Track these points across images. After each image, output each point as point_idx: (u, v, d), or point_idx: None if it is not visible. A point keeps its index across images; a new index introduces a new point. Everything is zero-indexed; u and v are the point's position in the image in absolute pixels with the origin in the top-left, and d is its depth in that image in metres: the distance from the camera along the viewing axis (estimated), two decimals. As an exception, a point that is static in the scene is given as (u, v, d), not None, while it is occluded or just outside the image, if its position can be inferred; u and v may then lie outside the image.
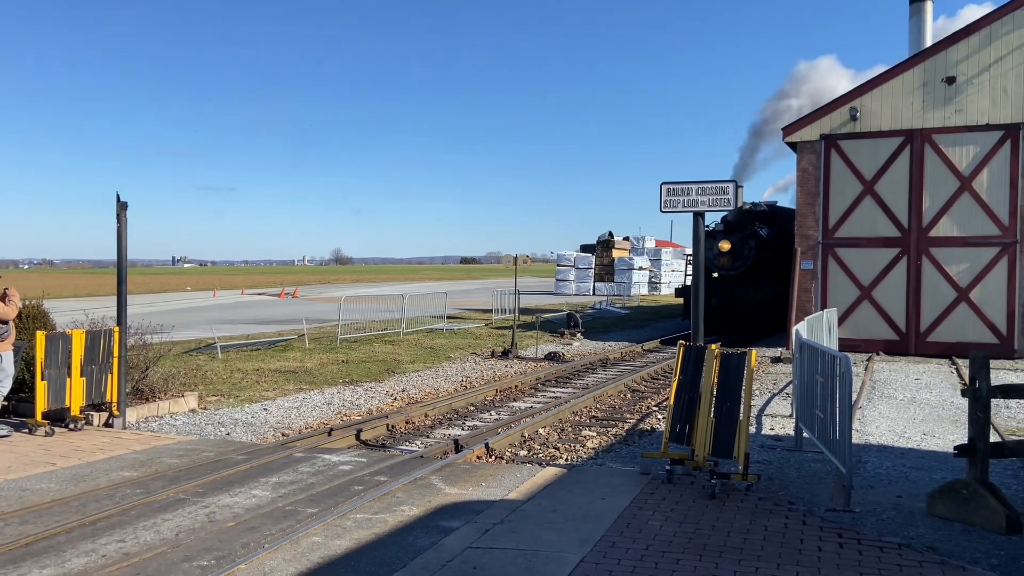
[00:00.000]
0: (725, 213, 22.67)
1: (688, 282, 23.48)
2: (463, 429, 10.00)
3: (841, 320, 17.09)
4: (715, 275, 22.61)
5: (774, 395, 11.75)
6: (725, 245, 22.29)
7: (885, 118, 17.26)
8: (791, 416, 9.32)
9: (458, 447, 8.61)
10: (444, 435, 9.61)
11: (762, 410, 10.58)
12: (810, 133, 17.85)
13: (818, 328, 10.98)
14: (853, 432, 8.62)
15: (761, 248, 22.66)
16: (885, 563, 4.77)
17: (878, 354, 17.00)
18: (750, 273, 22.45)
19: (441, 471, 7.09)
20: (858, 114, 17.41)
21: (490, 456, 8.37)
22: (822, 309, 15.69)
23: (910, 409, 10.58)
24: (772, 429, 9.34)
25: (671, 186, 9.10)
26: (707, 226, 19.46)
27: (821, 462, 7.52)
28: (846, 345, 16.35)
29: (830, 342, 12.65)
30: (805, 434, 7.98)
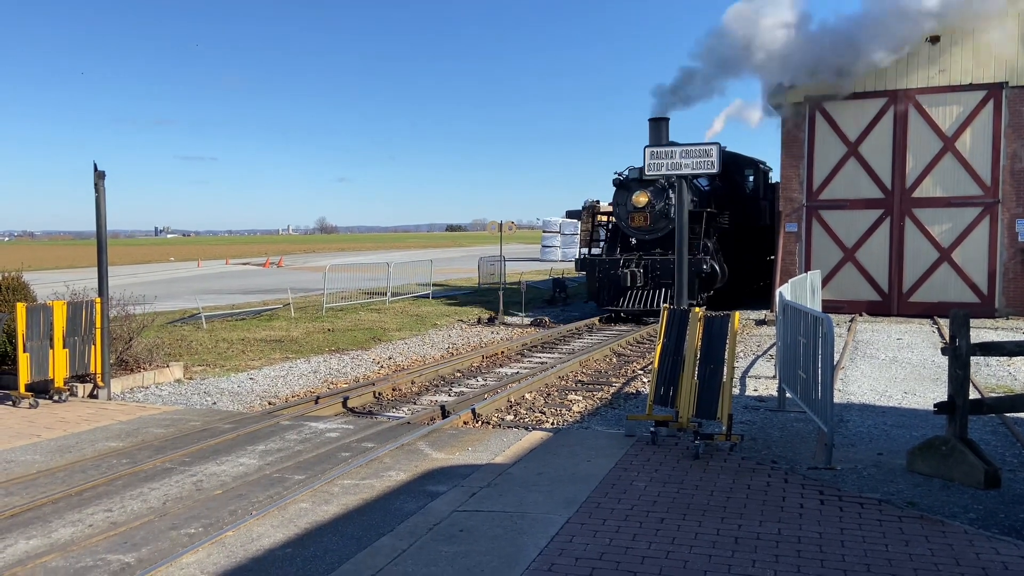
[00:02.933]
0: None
1: (590, 252, 19.13)
2: (450, 395, 10.04)
3: (825, 282, 17.21)
4: (632, 241, 17.93)
5: (758, 357, 11.86)
6: (641, 198, 17.16)
7: (869, 79, 17.21)
8: (775, 377, 9.41)
9: (445, 413, 8.64)
10: (431, 401, 9.65)
11: (746, 372, 10.67)
12: (795, 95, 17.77)
13: (802, 290, 11.05)
14: (835, 392, 8.74)
15: (703, 203, 18.15)
16: (865, 518, 4.86)
17: (861, 315, 17.16)
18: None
19: (428, 437, 7.12)
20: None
21: (477, 421, 8.42)
22: (806, 271, 15.78)
23: (892, 368, 10.70)
24: (756, 390, 9.43)
25: (655, 150, 9.06)
26: (620, 174, 17.69)
27: (804, 422, 7.62)
28: (829, 307, 16.48)
29: (814, 304, 12.74)
30: (788, 395, 8.07)
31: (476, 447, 6.74)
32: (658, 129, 16.19)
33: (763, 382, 9.91)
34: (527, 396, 9.74)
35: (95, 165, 8.88)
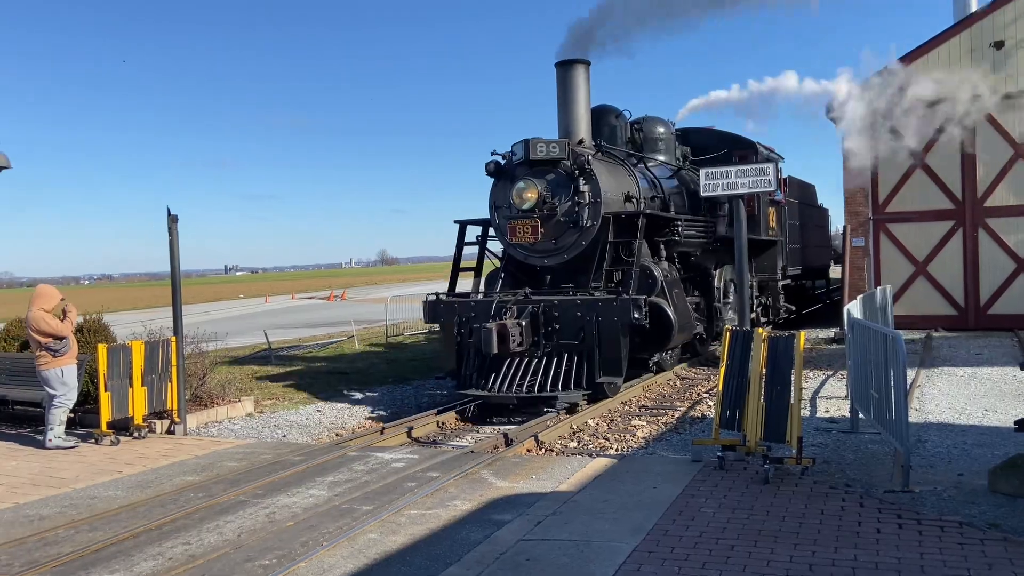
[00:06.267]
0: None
1: (452, 288, 12.15)
2: (511, 423, 10.05)
3: (896, 297, 16.67)
4: (539, 267, 11.22)
5: (829, 377, 11.55)
6: (528, 194, 10.46)
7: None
8: (846, 398, 9.14)
9: (508, 441, 8.66)
10: (494, 430, 9.67)
11: (816, 392, 10.40)
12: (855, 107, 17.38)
13: (872, 306, 10.76)
14: (912, 411, 8.46)
15: (651, 202, 11.90)
16: (946, 542, 4.67)
17: (936, 330, 16.56)
18: (588, 262, 10.60)
19: (492, 465, 7.15)
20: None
21: (540, 449, 8.41)
22: (876, 287, 15.34)
23: (970, 385, 10.29)
24: (827, 411, 9.18)
25: (710, 170, 9.02)
26: (498, 155, 11.03)
27: (878, 443, 7.38)
28: (902, 323, 15.94)
29: (885, 320, 12.37)
30: (861, 415, 7.84)
31: (540, 475, 6.73)
32: (568, 78, 11.05)
33: (835, 403, 9.64)
34: (590, 422, 9.68)
35: (168, 209, 9.28)
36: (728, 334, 6.95)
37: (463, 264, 12.47)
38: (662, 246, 11.52)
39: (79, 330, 9.95)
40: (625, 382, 10.81)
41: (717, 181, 8.89)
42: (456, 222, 12.31)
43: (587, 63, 11.25)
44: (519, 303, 10.14)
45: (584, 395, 9.69)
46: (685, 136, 15.23)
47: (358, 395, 12.16)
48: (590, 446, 8.58)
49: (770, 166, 8.71)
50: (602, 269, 10.27)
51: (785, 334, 6.66)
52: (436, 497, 6.23)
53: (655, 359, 11.67)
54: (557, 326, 10.00)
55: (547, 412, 9.77)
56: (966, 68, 16.06)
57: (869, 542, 4.76)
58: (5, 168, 12.94)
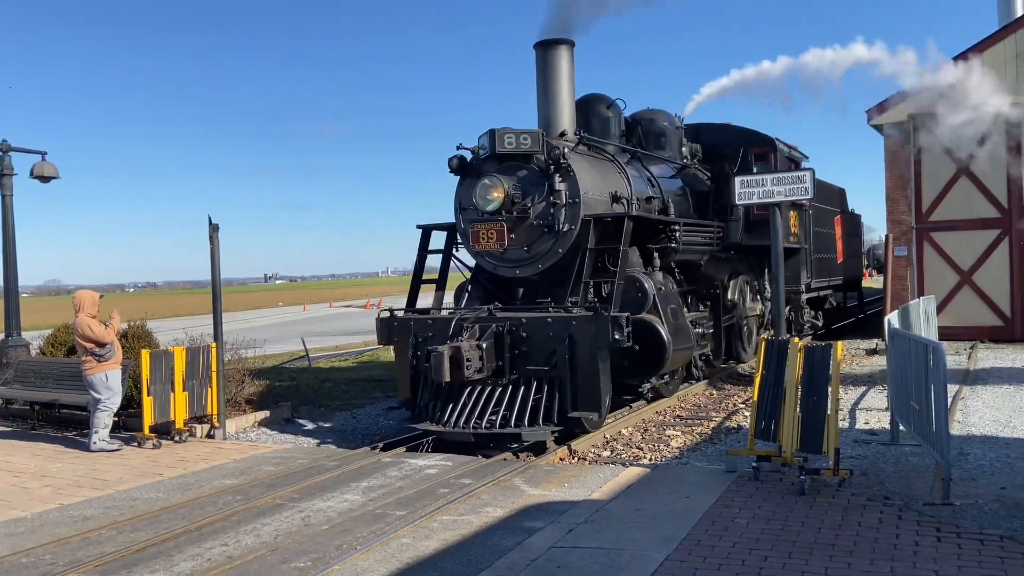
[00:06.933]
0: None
1: (411, 303, 10.54)
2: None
3: (940, 308, 16.30)
4: (507, 275, 9.81)
5: (869, 388, 11.34)
6: (495, 193, 8.99)
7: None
8: (887, 409, 8.98)
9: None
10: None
11: (856, 403, 10.23)
12: (897, 114, 17.11)
13: (915, 317, 10.56)
14: (954, 423, 8.28)
15: (650, 201, 10.56)
16: (986, 556, 4.57)
17: (982, 341, 16.16)
18: (565, 273, 9.24)
19: (524, 473, 7.16)
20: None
21: (573, 457, 8.39)
22: (919, 297, 15.04)
23: (1016, 398, 10.03)
24: (867, 423, 9.03)
25: (746, 178, 8.95)
26: (466, 149, 9.59)
27: (919, 456, 7.23)
28: (946, 334, 15.59)
29: (929, 331, 12.12)
30: (901, 427, 7.70)
31: (572, 483, 6.72)
32: (548, 61, 9.70)
33: (874, 414, 9.47)
34: (623, 431, 9.64)
35: (209, 218, 9.49)
36: (763, 344, 6.88)
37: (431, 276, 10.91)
38: (656, 254, 10.02)
39: (123, 336, 10.21)
40: (615, 409, 9.65)
41: (753, 189, 8.82)
42: (419, 227, 10.76)
43: (571, 43, 9.81)
44: (481, 321, 8.71)
45: (554, 432, 8.33)
46: (695, 132, 13.65)
47: (392, 401, 12.26)
48: (623, 455, 8.54)
49: (807, 173, 8.61)
50: (581, 281, 8.81)
51: (822, 344, 6.58)
52: (468, 503, 6.26)
53: (648, 385, 10.02)
54: (525, 348, 8.51)
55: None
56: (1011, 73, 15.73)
57: (906, 555, 4.67)
58: (54, 178, 13.36)
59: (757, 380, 6.75)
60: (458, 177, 9.69)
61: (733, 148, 13.23)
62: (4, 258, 12.56)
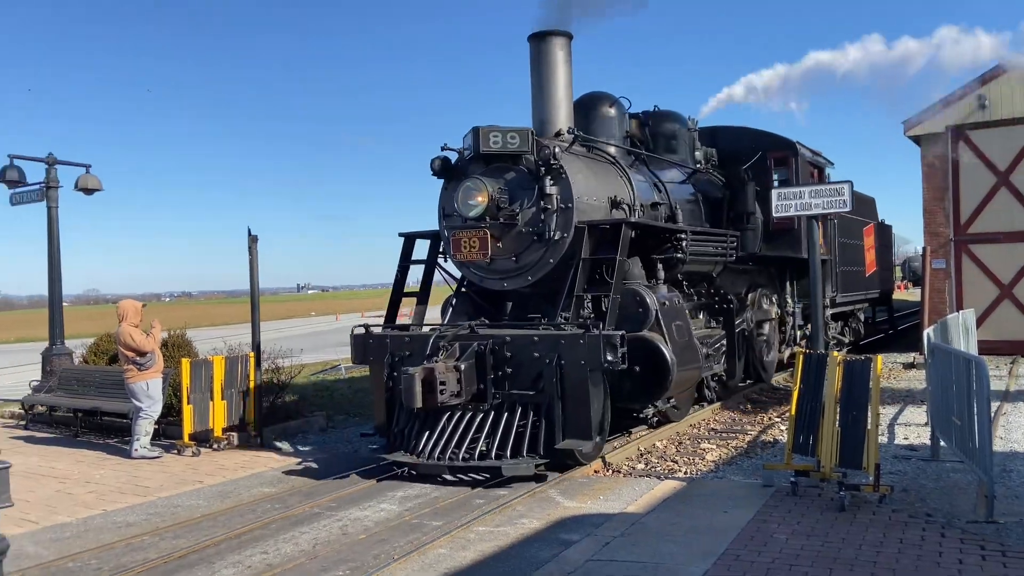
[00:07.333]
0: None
1: (392, 317, 10.14)
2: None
3: (980, 321, 16.00)
4: (494, 288, 9.03)
5: (908, 403, 11.16)
6: (478, 197, 8.15)
7: (1018, 104, 16.13)
8: (927, 425, 8.83)
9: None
10: (562, 450, 9.64)
11: (895, 418, 10.07)
12: (934, 126, 16.88)
13: (954, 331, 10.38)
14: (997, 439, 8.12)
15: (654, 208, 9.78)
16: (1035, 577, 4.48)
17: (1023, 356, 15.82)
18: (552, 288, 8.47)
19: (559, 484, 7.16)
20: (987, 102, 16.33)
21: (608, 470, 8.36)
22: (957, 310, 14.77)
23: (1062, 414, 9.80)
24: (906, 438, 8.88)
25: (782, 191, 8.89)
26: (451, 150, 8.71)
27: (961, 472, 7.10)
28: (986, 348, 15.28)
29: (968, 345, 11.90)
30: (942, 443, 7.57)
31: (608, 496, 6.71)
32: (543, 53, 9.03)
33: (914, 429, 9.32)
34: (658, 444, 9.58)
35: (248, 230, 9.66)
36: (801, 357, 6.82)
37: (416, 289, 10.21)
38: (661, 265, 9.09)
39: (164, 345, 10.41)
40: (614, 434, 8.79)
41: (790, 202, 8.75)
42: (401, 235, 9.85)
43: (568, 35, 9.08)
44: (461, 339, 7.86)
45: (539, 465, 7.35)
46: (712, 136, 12.74)
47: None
48: (658, 468, 8.49)
49: (845, 186, 8.51)
50: (574, 295, 7.91)
51: (862, 358, 6.51)
52: (504, 514, 6.28)
53: (652, 410, 9.11)
54: (509, 369, 7.63)
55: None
56: None
57: (951, 573, 4.60)
58: (97, 190, 13.69)
59: (795, 394, 6.69)
60: (442, 181, 8.84)
61: (751, 151, 12.25)
62: (49, 269, 12.89)
